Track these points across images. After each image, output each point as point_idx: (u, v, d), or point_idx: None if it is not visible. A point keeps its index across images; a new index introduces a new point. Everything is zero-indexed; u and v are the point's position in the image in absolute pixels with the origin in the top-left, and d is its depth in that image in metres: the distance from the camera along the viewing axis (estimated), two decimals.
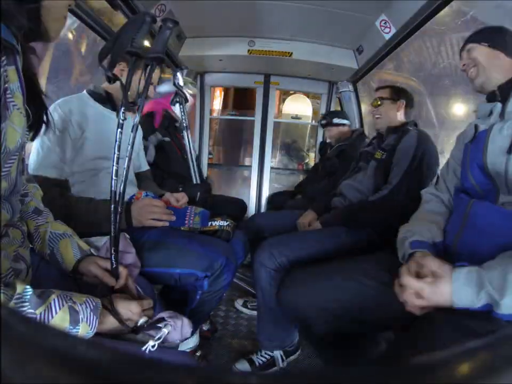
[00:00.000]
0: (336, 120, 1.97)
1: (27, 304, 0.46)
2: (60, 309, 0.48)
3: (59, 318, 0.47)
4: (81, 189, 0.97)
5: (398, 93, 1.36)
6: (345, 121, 1.99)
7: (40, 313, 0.46)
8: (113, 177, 0.61)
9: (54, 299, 0.48)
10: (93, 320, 0.51)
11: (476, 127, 0.78)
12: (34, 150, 0.93)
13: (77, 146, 0.95)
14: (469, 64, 0.83)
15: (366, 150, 1.39)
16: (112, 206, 0.60)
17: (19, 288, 0.46)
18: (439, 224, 0.79)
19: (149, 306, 0.62)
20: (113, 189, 0.60)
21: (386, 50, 1.81)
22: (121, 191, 0.62)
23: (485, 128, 0.75)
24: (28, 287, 0.47)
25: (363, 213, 1.14)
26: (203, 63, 2.24)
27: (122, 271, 0.67)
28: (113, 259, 0.65)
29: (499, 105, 0.76)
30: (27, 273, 0.63)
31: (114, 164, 0.61)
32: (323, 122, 2.03)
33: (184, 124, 1.59)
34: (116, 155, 0.61)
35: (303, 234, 1.18)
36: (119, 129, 0.62)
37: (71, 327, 0.48)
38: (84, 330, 0.50)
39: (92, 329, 0.51)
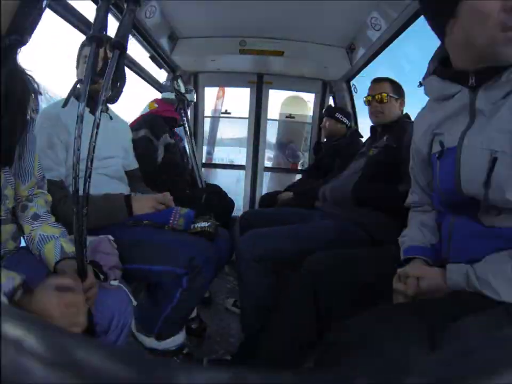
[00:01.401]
0: (337, 115, 2.00)
1: None
2: None
3: None
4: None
5: (399, 89, 1.29)
6: (345, 120, 2.02)
7: None
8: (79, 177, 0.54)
9: None
10: None
11: (441, 144, 0.66)
12: None
13: (67, 148, 0.97)
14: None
15: (361, 151, 1.37)
16: (75, 208, 0.54)
17: None
18: (431, 227, 0.75)
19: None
20: (73, 188, 0.54)
21: (378, 47, 1.80)
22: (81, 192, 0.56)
23: (453, 144, 0.62)
24: None
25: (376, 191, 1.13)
26: (196, 64, 2.25)
27: (90, 274, 0.64)
28: (80, 260, 0.60)
29: (465, 95, 0.61)
30: None
31: (89, 166, 0.56)
32: (326, 112, 2.07)
33: (187, 130, 1.63)
34: (91, 155, 0.58)
35: (287, 228, 1.17)
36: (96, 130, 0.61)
37: None
38: None
39: None
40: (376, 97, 1.27)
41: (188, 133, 1.65)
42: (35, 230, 0.72)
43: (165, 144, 1.61)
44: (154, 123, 1.54)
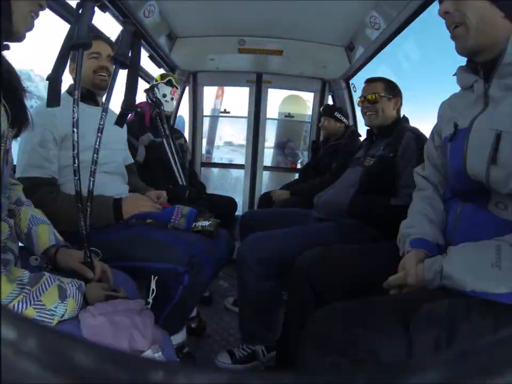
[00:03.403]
0: (336, 114, 1.99)
1: (26, 283, 0.52)
2: (49, 286, 0.54)
3: (49, 293, 0.53)
4: (72, 186, 0.98)
5: (393, 88, 1.27)
6: (343, 119, 2.01)
7: (35, 291, 0.53)
8: (75, 177, 0.62)
9: (45, 279, 0.55)
10: (78, 297, 0.57)
11: (456, 125, 0.69)
12: (18, 153, 0.95)
13: (63, 144, 0.97)
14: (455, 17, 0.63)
15: (358, 157, 1.35)
16: (79, 205, 0.63)
17: (18, 272, 0.54)
18: (439, 224, 0.75)
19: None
20: (77, 188, 0.62)
21: (377, 46, 1.80)
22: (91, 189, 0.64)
23: (465, 126, 0.66)
24: (26, 271, 0.55)
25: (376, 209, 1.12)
26: (195, 63, 2.25)
27: (97, 265, 0.71)
28: (87, 253, 0.68)
29: (481, 85, 0.65)
30: (15, 263, 0.65)
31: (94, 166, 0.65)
32: (324, 111, 2.05)
33: (163, 133, 1.66)
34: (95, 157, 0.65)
35: (288, 231, 1.17)
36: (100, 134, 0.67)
37: (59, 302, 0.54)
38: (71, 306, 0.56)
39: (78, 305, 0.57)
40: (369, 97, 1.26)
41: (165, 136, 1.69)
42: (24, 210, 0.74)
43: (148, 143, 1.62)
44: (130, 126, 1.55)
